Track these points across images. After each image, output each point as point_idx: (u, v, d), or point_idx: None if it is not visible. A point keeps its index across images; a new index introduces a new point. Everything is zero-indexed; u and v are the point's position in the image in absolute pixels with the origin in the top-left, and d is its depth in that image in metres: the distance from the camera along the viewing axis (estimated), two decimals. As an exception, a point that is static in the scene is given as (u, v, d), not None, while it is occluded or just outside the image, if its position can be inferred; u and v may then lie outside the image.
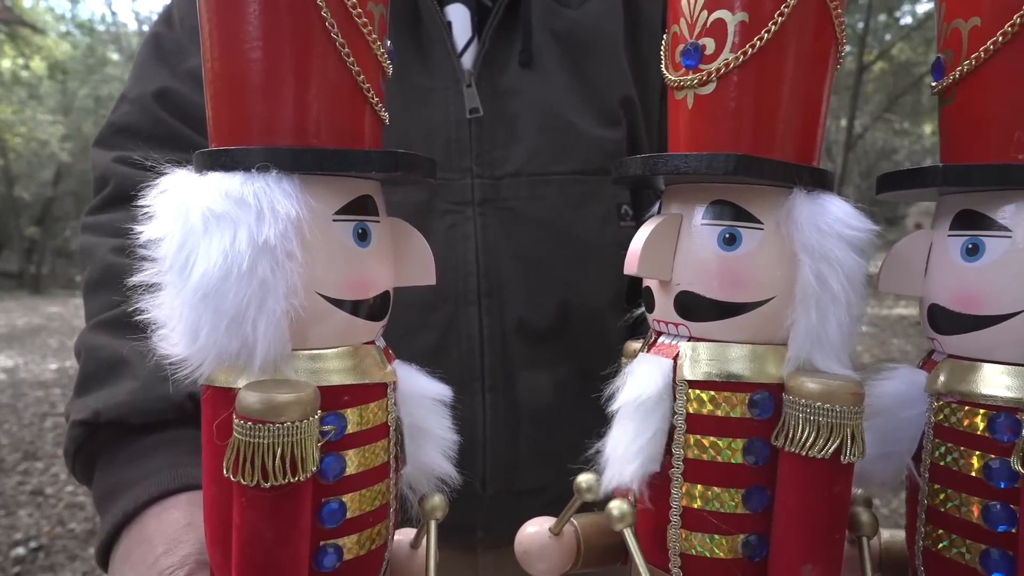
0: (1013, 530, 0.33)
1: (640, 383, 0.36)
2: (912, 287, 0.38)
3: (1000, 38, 0.34)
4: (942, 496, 0.36)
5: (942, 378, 0.36)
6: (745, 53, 0.34)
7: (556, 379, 0.66)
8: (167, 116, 0.64)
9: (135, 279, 0.34)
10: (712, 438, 0.35)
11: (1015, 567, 0.33)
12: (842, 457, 0.32)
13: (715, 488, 0.35)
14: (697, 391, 0.35)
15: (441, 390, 0.39)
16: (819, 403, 0.33)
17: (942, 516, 0.36)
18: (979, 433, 0.34)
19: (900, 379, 0.38)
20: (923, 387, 0.37)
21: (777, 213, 0.35)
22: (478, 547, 0.69)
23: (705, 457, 0.35)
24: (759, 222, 0.35)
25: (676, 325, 0.37)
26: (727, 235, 0.35)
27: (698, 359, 0.36)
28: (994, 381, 0.34)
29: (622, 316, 0.68)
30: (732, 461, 0.35)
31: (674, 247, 0.37)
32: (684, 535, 0.36)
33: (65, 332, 7.15)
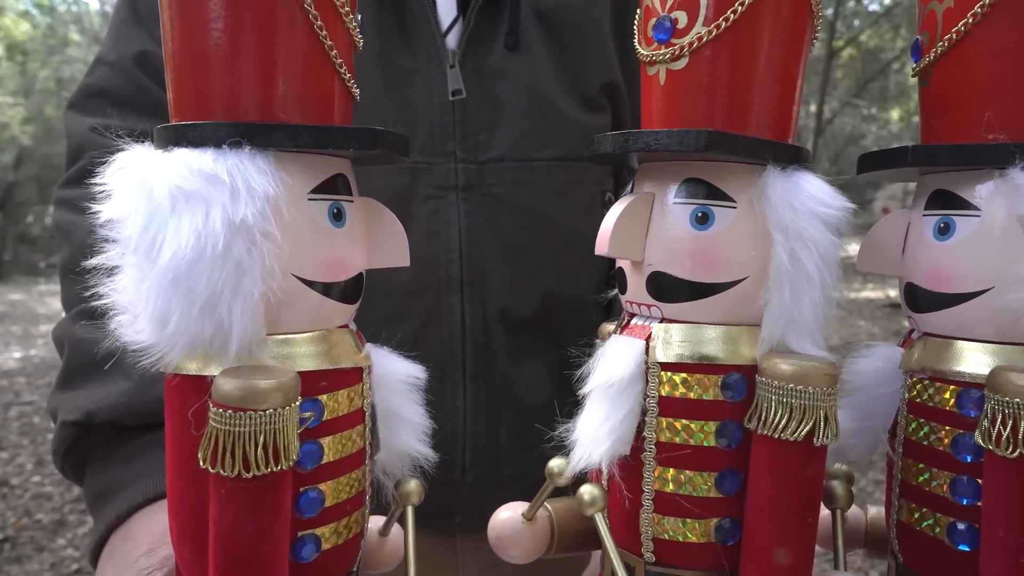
0: (978, 503, 0.34)
1: (611, 365, 0.36)
2: (889, 266, 0.38)
3: (970, 19, 0.34)
4: (915, 470, 0.36)
5: (916, 355, 0.37)
6: (719, 26, 0.34)
7: (538, 368, 0.65)
8: (149, 81, 0.62)
9: (92, 262, 0.32)
10: (684, 421, 0.35)
11: (980, 540, 0.34)
12: (815, 440, 0.32)
13: (688, 472, 0.35)
14: (669, 373, 0.35)
15: (413, 371, 0.38)
16: (792, 385, 0.32)
17: (914, 490, 0.37)
18: (948, 409, 0.35)
19: (878, 356, 0.38)
20: (899, 364, 0.37)
21: (750, 191, 0.35)
22: (456, 532, 0.68)
23: (677, 440, 0.35)
24: (732, 200, 0.35)
25: (649, 306, 0.37)
26: (700, 214, 0.35)
27: (671, 341, 0.35)
28: (964, 358, 0.35)
29: (606, 305, 0.67)
30: (705, 444, 0.35)
31: (646, 226, 0.36)
32: (657, 519, 0.36)
33: (28, 320, 6.98)
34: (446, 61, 0.62)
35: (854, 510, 0.42)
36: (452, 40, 0.64)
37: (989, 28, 0.34)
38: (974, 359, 0.35)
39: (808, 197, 0.34)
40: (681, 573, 0.36)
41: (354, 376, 0.35)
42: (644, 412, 0.36)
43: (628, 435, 0.36)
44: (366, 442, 0.36)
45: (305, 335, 0.34)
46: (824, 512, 0.41)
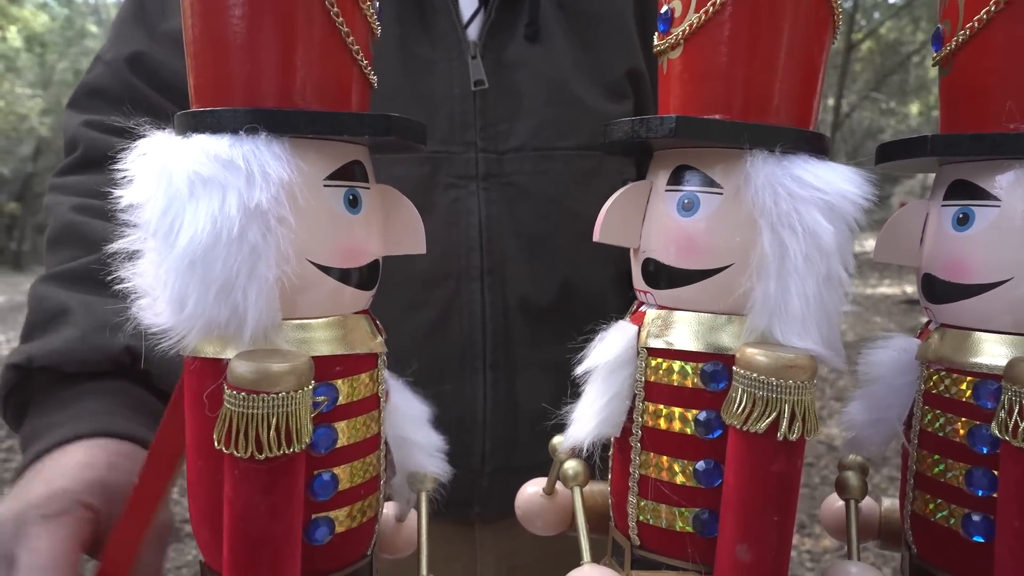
0: (994, 494, 0.34)
1: (603, 348, 0.36)
2: (907, 257, 0.38)
3: (992, 7, 0.34)
4: (930, 462, 0.36)
5: (933, 346, 0.36)
6: (707, 12, 0.34)
7: (557, 357, 0.66)
8: (139, 82, 0.63)
9: (114, 246, 0.33)
10: (667, 407, 0.35)
11: (995, 530, 0.34)
12: (778, 434, 0.31)
13: (667, 458, 0.35)
14: (657, 359, 0.35)
15: (428, 412, 0.40)
16: (757, 375, 0.31)
17: (929, 481, 0.36)
18: (965, 400, 0.35)
19: (894, 348, 0.38)
20: (915, 355, 0.37)
21: (737, 177, 0.34)
22: (475, 521, 0.69)
23: (660, 426, 0.35)
24: (719, 187, 0.35)
25: (646, 293, 0.37)
26: (685, 201, 0.35)
27: (658, 327, 0.36)
28: (981, 349, 0.35)
29: (624, 295, 0.67)
30: (685, 432, 0.35)
31: (642, 214, 0.37)
32: (641, 503, 0.36)
33: (47, 309, 7.07)
34: (467, 52, 0.63)
35: (868, 501, 0.42)
36: (473, 32, 0.64)
37: (1011, 16, 0.34)
38: (992, 350, 0.34)
39: (798, 182, 0.33)
40: (662, 560, 0.36)
41: (369, 361, 0.35)
42: (635, 396, 0.36)
43: (615, 417, 0.36)
44: (381, 428, 0.36)
45: (321, 320, 0.34)
46: (838, 503, 0.41)
